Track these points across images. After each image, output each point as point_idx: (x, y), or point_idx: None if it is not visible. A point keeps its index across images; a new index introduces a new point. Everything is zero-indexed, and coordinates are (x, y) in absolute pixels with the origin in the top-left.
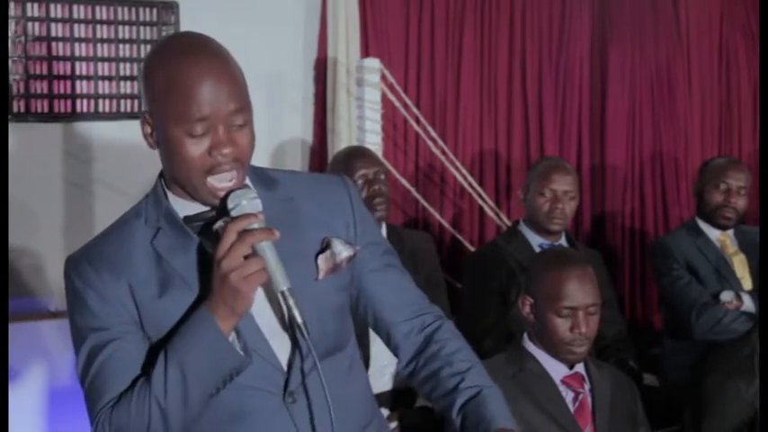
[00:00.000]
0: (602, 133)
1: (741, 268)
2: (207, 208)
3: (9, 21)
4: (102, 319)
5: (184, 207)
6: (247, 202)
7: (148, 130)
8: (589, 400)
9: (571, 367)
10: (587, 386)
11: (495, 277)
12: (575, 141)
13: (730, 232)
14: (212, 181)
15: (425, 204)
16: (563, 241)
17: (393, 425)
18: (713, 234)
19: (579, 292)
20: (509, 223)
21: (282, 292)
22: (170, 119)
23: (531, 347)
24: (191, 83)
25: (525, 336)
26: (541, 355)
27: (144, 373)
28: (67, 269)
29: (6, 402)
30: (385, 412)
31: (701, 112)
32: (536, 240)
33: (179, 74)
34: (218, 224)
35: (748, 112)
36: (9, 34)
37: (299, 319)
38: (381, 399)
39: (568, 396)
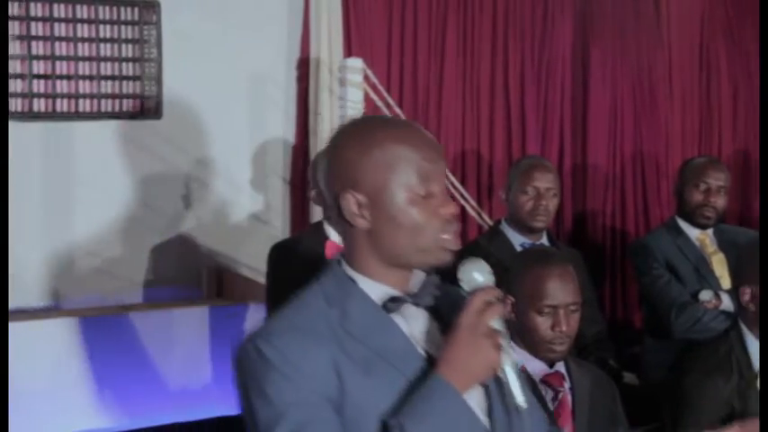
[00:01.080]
0: (583, 133)
1: (720, 267)
2: (397, 292)
3: None
4: (305, 393)
5: (375, 289)
6: (481, 275)
7: (355, 208)
8: (569, 398)
9: (551, 366)
10: (567, 385)
11: None
12: (556, 141)
13: (710, 231)
14: (445, 237)
15: None
16: (544, 240)
17: None
18: (693, 233)
19: (560, 290)
20: (491, 223)
21: (504, 370)
22: (399, 189)
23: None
24: (416, 153)
25: None
26: (522, 354)
27: None
28: (253, 342)
29: (6, 402)
30: None
31: (682, 112)
32: (518, 240)
33: (405, 147)
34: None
35: (728, 112)
36: None
37: (520, 402)
38: None
39: (548, 395)
